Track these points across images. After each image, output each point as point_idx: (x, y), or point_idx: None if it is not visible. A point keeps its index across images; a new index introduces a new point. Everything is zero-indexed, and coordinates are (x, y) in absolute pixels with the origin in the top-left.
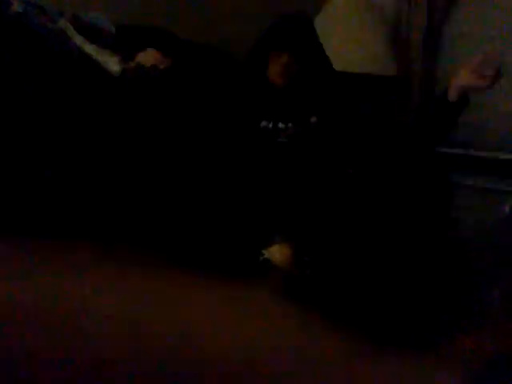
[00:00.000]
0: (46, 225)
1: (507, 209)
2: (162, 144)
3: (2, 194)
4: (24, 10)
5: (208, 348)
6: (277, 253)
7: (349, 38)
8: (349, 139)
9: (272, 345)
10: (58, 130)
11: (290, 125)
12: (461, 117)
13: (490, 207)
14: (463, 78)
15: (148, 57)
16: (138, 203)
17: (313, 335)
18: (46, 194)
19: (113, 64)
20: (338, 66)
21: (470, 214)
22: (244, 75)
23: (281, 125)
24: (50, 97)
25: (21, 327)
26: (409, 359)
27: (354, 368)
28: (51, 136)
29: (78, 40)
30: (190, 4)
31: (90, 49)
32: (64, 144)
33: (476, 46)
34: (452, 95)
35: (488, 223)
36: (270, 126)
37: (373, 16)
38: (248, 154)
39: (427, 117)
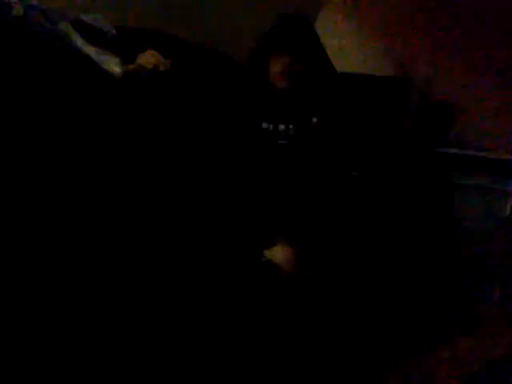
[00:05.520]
0: None
1: (508, 208)
2: (161, 146)
3: None
4: (25, 12)
5: None
6: (279, 254)
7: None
8: (351, 140)
9: None
10: (59, 133)
11: (290, 126)
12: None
13: (490, 207)
14: None
15: (149, 58)
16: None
17: None
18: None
19: (114, 65)
20: (339, 65)
21: (471, 214)
22: (245, 77)
23: (282, 126)
24: (50, 98)
25: None
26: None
27: None
28: (51, 139)
29: (80, 42)
30: (190, 5)
31: (91, 50)
32: (64, 146)
33: None
34: None
35: (488, 223)
36: (271, 127)
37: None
38: (249, 156)
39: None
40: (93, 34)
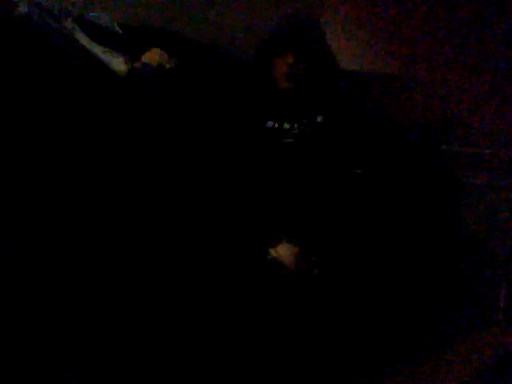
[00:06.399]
0: None
1: None
2: (165, 144)
3: None
4: (30, 10)
5: None
6: (284, 252)
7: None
8: (355, 138)
9: None
10: (62, 130)
11: (295, 125)
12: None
13: (492, 205)
14: None
15: (153, 56)
16: (143, 200)
17: None
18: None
19: (118, 64)
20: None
21: (474, 212)
22: (249, 75)
23: (286, 125)
24: (55, 97)
25: None
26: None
27: None
28: (53, 136)
29: (84, 40)
30: (194, 3)
31: (95, 49)
32: (66, 145)
33: None
34: None
35: (490, 222)
36: (276, 126)
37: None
38: (254, 155)
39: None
40: (97, 33)
